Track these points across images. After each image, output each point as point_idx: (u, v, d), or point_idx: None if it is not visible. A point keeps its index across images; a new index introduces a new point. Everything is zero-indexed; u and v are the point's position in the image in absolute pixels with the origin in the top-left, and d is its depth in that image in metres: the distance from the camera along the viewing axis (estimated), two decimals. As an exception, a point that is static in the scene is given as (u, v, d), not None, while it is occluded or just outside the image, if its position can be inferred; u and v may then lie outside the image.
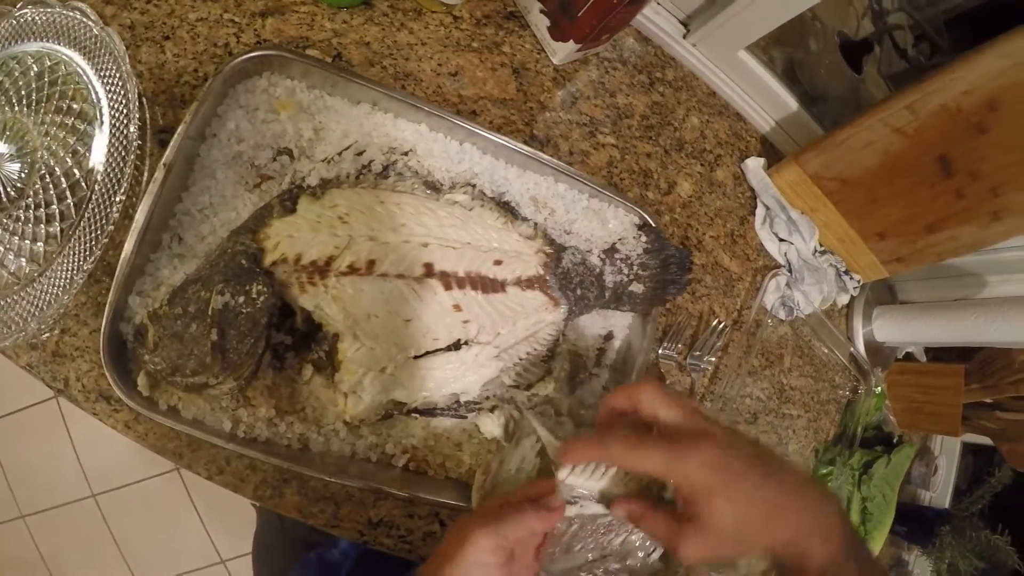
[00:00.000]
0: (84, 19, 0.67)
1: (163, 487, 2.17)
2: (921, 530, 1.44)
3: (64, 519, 2.19)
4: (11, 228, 0.66)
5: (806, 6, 0.92)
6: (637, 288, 0.88)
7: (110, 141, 0.66)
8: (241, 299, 0.64)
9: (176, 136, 0.67)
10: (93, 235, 0.65)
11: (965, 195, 1.01)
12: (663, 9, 1.07)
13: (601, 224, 0.90)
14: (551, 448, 0.65)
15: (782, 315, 1.16)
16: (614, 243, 0.90)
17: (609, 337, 0.92)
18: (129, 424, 0.72)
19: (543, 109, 0.97)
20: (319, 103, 0.77)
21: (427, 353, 0.74)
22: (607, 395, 0.63)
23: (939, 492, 1.53)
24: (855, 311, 1.30)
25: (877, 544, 1.27)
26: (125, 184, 0.64)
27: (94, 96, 0.67)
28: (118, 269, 0.65)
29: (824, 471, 1.21)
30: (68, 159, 0.66)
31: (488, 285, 0.77)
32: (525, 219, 0.83)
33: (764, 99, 1.16)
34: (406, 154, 0.79)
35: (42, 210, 0.66)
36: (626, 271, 0.87)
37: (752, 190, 1.17)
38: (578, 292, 0.83)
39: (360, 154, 0.76)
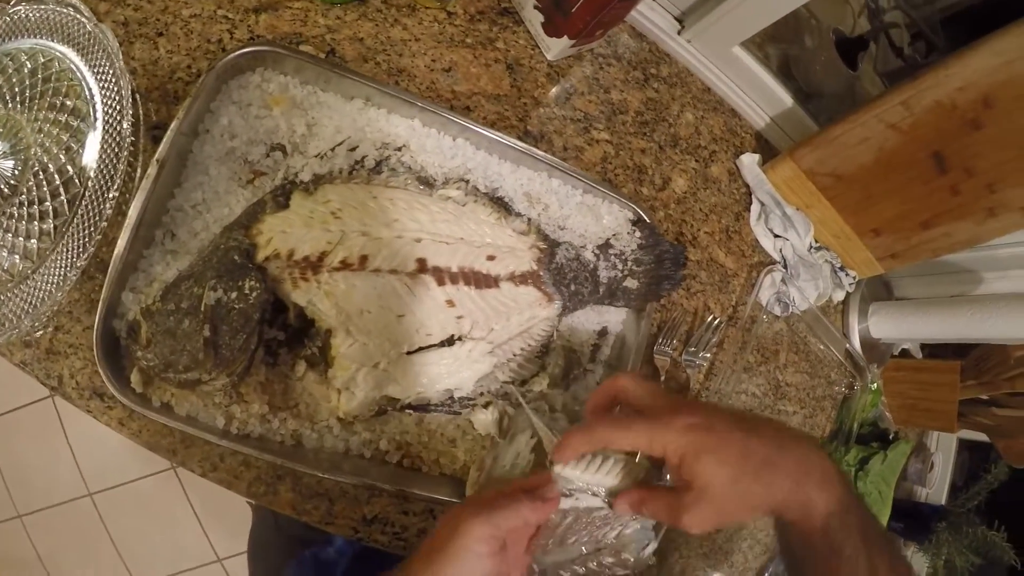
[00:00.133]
0: (78, 16, 0.67)
1: (159, 486, 2.17)
2: (917, 527, 1.44)
3: (61, 518, 2.18)
4: (4, 225, 0.66)
5: (801, 2, 0.92)
6: (631, 284, 0.88)
7: (103, 138, 0.66)
8: (234, 295, 0.64)
9: (169, 132, 0.67)
10: (86, 232, 0.65)
11: (960, 191, 1.01)
12: (657, 5, 1.07)
13: (595, 220, 0.90)
14: (547, 442, 0.65)
15: (777, 311, 1.16)
16: (608, 239, 0.90)
17: (603, 333, 0.92)
18: (123, 421, 0.72)
19: (537, 105, 0.97)
20: (312, 99, 0.77)
21: (420, 349, 0.74)
22: (590, 396, 0.64)
23: (935, 488, 1.53)
24: (851, 307, 1.30)
25: (873, 540, 1.27)
26: (118, 181, 0.64)
27: (87, 93, 0.68)
28: (111, 265, 0.65)
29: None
30: (61, 156, 0.66)
31: (481, 280, 0.77)
32: (519, 215, 0.83)
33: (759, 95, 1.16)
34: (399, 150, 0.79)
35: (35, 207, 0.66)
36: (620, 267, 0.87)
37: (747, 186, 1.17)
38: (572, 288, 0.83)
39: (353, 150, 0.76)
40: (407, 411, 0.76)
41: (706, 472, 0.53)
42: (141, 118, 0.71)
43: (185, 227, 0.71)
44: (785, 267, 1.16)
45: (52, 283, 0.65)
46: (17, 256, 0.66)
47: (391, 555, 0.81)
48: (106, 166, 0.65)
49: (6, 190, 0.66)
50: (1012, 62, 0.83)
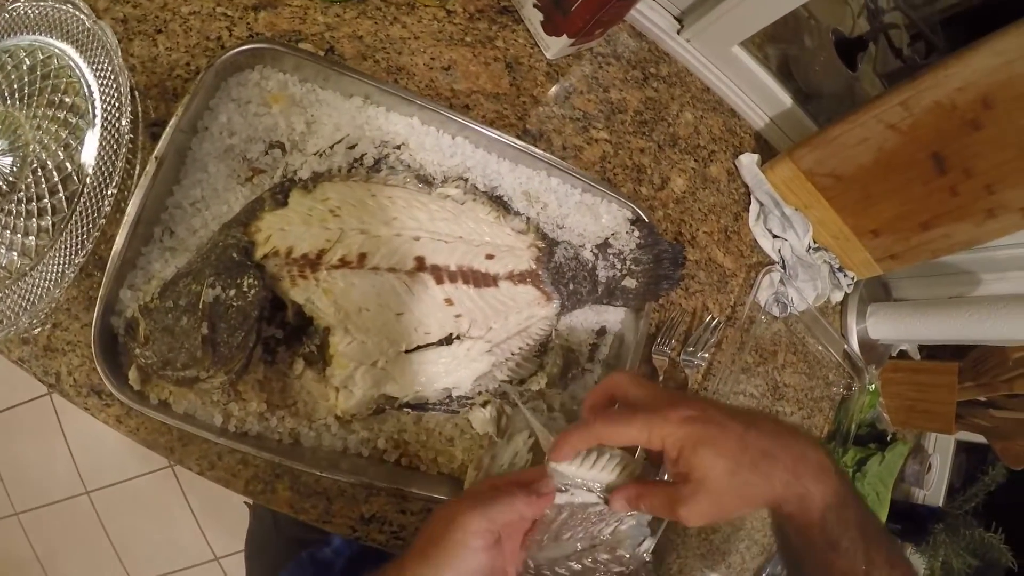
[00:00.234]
0: (76, 12, 0.67)
1: (157, 484, 2.16)
2: (915, 528, 1.44)
3: (58, 516, 2.18)
4: (2, 222, 0.66)
5: (799, 2, 0.92)
6: (630, 283, 0.88)
7: (102, 135, 0.66)
8: (232, 292, 0.63)
9: (168, 129, 0.67)
10: (84, 229, 0.65)
11: (959, 192, 1.01)
12: (657, 4, 1.07)
13: (594, 219, 0.90)
14: (544, 441, 0.64)
15: (776, 312, 1.16)
16: (607, 238, 0.89)
17: (602, 332, 0.92)
18: (120, 419, 0.72)
19: (536, 104, 0.97)
20: (311, 96, 0.77)
21: (419, 347, 0.74)
22: (587, 395, 0.64)
23: (933, 490, 1.53)
24: (849, 308, 1.30)
25: (871, 541, 1.27)
26: (117, 178, 0.64)
27: (86, 90, 0.67)
28: (109, 263, 0.65)
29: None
30: (60, 153, 0.66)
31: (480, 279, 0.77)
32: (517, 213, 0.83)
33: (758, 95, 1.16)
34: (398, 148, 0.78)
35: (34, 204, 0.66)
36: (619, 266, 0.87)
37: (746, 186, 1.17)
38: (571, 287, 0.83)
39: (352, 148, 0.76)
40: (405, 410, 0.76)
41: (704, 464, 0.53)
42: (140, 115, 0.71)
43: (184, 224, 0.71)
44: (784, 268, 1.17)
45: (50, 280, 0.65)
46: (15, 253, 0.66)
47: (388, 555, 0.81)
48: (105, 163, 0.65)
49: (4, 187, 0.65)
50: (1011, 62, 0.83)
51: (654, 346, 1.00)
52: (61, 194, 0.66)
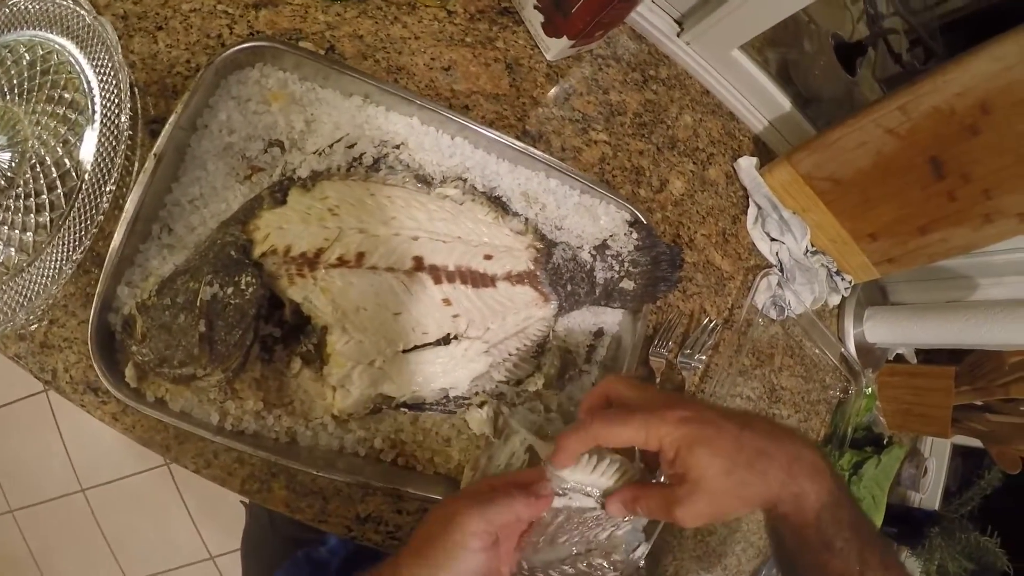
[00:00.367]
0: (77, 8, 0.67)
1: (153, 482, 2.16)
2: (911, 531, 1.45)
3: (53, 514, 2.18)
4: (0, 218, 0.66)
5: (799, 6, 0.92)
6: (628, 285, 0.88)
7: (101, 131, 0.66)
8: (230, 290, 0.63)
9: (167, 127, 0.67)
10: (83, 225, 0.65)
11: (957, 197, 1.01)
12: (657, 7, 1.07)
13: (592, 220, 0.90)
14: (539, 448, 0.64)
15: (773, 314, 1.16)
16: (605, 239, 0.90)
17: (599, 334, 0.92)
18: (117, 416, 0.72)
19: (536, 105, 0.97)
20: (311, 95, 0.77)
21: (416, 347, 0.74)
22: (583, 399, 0.64)
23: (929, 494, 1.53)
24: (846, 312, 1.30)
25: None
26: (115, 174, 0.64)
27: (86, 86, 0.67)
28: (107, 259, 0.65)
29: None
30: (59, 149, 0.66)
31: (478, 279, 0.77)
32: (516, 214, 0.83)
33: (757, 99, 1.16)
34: (397, 147, 0.78)
35: (32, 200, 0.66)
36: (617, 268, 0.87)
37: (744, 189, 1.17)
38: (568, 288, 0.83)
39: (351, 147, 0.76)
40: (402, 409, 0.76)
41: (700, 463, 0.53)
42: (139, 112, 0.71)
43: (182, 222, 0.71)
44: (781, 271, 1.17)
45: (47, 276, 0.65)
46: (13, 249, 0.66)
47: (384, 555, 0.81)
48: (103, 160, 0.65)
49: (3, 183, 0.65)
50: (1010, 68, 0.83)
51: (651, 348, 1.00)
52: (59, 190, 0.66)
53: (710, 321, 1.06)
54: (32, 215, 0.66)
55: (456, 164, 0.83)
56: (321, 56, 0.79)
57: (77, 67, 0.68)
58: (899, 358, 1.42)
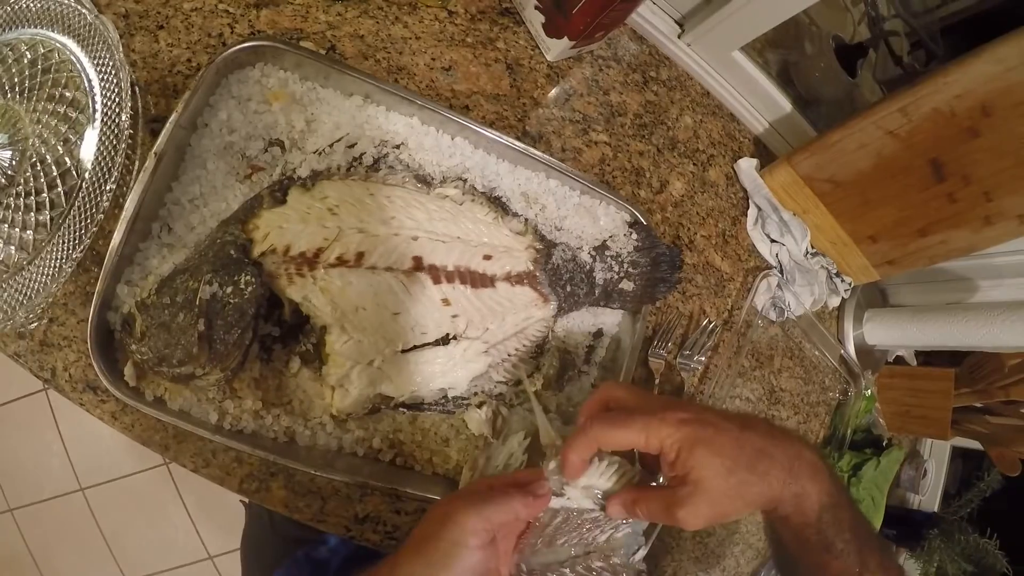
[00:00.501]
0: (78, 7, 0.67)
1: (152, 482, 2.16)
2: (910, 533, 1.45)
3: (52, 513, 2.18)
4: (0, 216, 0.66)
5: (800, 8, 0.92)
6: (627, 286, 0.88)
7: (102, 130, 0.66)
8: (229, 289, 0.63)
9: (168, 125, 0.67)
10: (83, 224, 0.65)
11: (957, 199, 1.01)
12: (658, 8, 1.07)
13: (592, 221, 0.90)
14: (545, 435, 0.64)
15: (773, 316, 1.16)
16: (605, 240, 0.90)
17: (598, 335, 0.92)
18: (115, 415, 0.72)
19: (536, 105, 0.97)
20: (311, 95, 0.77)
21: (415, 347, 0.74)
22: (582, 406, 0.64)
23: (928, 495, 1.53)
24: (846, 313, 1.30)
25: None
26: (116, 173, 0.64)
27: (87, 84, 0.67)
28: (107, 258, 0.65)
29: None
30: (59, 147, 0.66)
31: (477, 280, 0.77)
32: (516, 214, 0.83)
33: (758, 100, 1.16)
34: (398, 147, 0.78)
35: (32, 198, 0.66)
36: (616, 268, 0.87)
37: (744, 191, 1.17)
38: (568, 289, 0.83)
39: (351, 146, 0.76)
40: (401, 409, 0.76)
41: (701, 464, 0.53)
42: (140, 111, 0.71)
43: (182, 221, 0.71)
44: (781, 272, 1.17)
45: (47, 275, 0.65)
46: (13, 247, 0.66)
47: (384, 555, 0.81)
48: (104, 158, 0.65)
49: (3, 180, 0.65)
50: (1010, 70, 0.83)
51: (651, 349, 1.00)
52: (60, 189, 0.66)
53: (709, 322, 1.06)
54: (32, 213, 0.66)
55: (456, 164, 0.83)
56: (322, 56, 0.79)
57: (78, 65, 0.68)
58: (899, 360, 1.42)
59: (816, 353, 1.25)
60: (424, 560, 0.53)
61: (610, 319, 0.93)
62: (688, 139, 1.12)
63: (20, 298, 0.65)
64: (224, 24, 0.80)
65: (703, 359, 1.05)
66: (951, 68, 0.87)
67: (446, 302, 0.75)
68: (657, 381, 1.00)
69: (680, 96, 1.13)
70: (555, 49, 0.96)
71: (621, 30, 1.08)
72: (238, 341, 0.65)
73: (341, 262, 0.69)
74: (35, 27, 0.69)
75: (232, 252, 0.65)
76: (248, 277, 0.64)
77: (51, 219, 0.66)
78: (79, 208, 0.65)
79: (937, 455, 1.58)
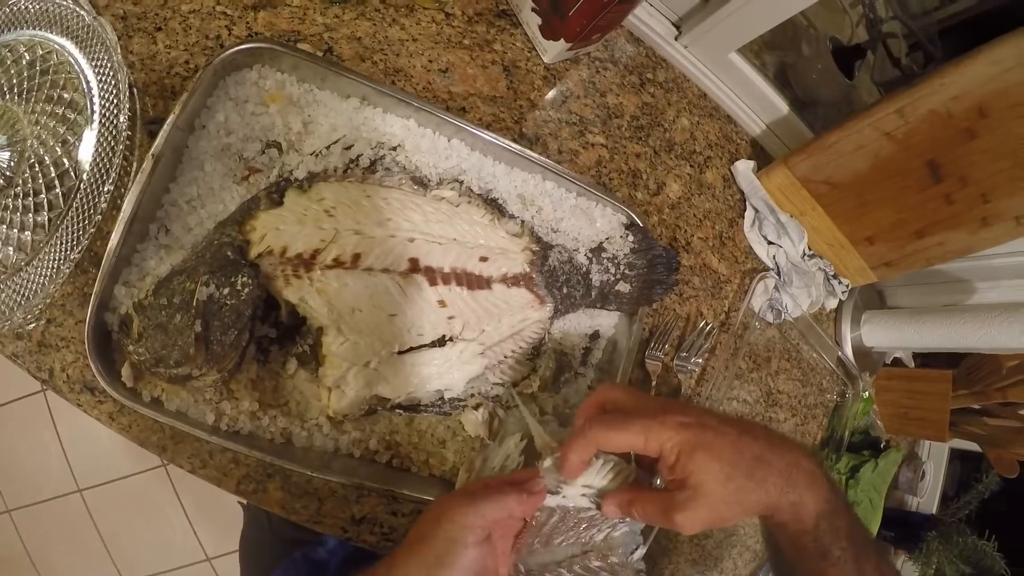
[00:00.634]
0: (77, 8, 0.67)
1: (150, 483, 2.16)
2: (908, 535, 1.45)
3: (50, 514, 2.18)
4: (-2, 217, 0.66)
5: (797, 10, 0.93)
6: (624, 288, 0.88)
7: (100, 131, 0.66)
8: (226, 291, 0.64)
9: (165, 127, 0.67)
10: (81, 225, 0.65)
11: (954, 200, 1.01)
12: (655, 10, 1.07)
13: (588, 223, 0.90)
14: (539, 439, 0.64)
15: (770, 318, 1.16)
16: (601, 242, 0.90)
17: (595, 336, 0.92)
18: (113, 416, 0.72)
19: (533, 107, 0.97)
20: (309, 97, 0.77)
21: (411, 349, 0.74)
22: (580, 407, 0.64)
23: (926, 497, 1.53)
24: (843, 315, 1.31)
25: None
26: (113, 174, 0.64)
27: (85, 86, 0.68)
28: (104, 259, 0.65)
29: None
30: (58, 148, 0.66)
31: (474, 281, 0.77)
32: (512, 216, 0.83)
33: (755, 102, 1.16)
34: (394, 149, 0.79)
35: (30, 199, 0.66)
36: (613, 270, 0.87)
37: (741, 192, 1.17)
38: (564, 290, 0.83)
39: (348, 148, 0.76)
40: (397, 411, 0.76)
41: (700, 469, 0.53)
42: (138, 112, 0.71)
43: (179, 222, 0.71)
44: (778, 274, 1.17)
45: (45, 276, 0.65)
46: (11, 248, 0.66)
47: (383, 556, 0.81)
48: (102, 160, 0.65)
49: (1, 182, 0.65)
50: (1007, 71, 0.84)
51: (647, 351, 1.01)
52: (58, 190, 0.66)
53: (706, 324, 1.06)
54: (30, 214, 0.66)
55: (453, 166, 0.83)
56: (319, 58, 0.79)
57: (76, 67, 0.68)
58: (896, 362, 1.42)
59: (813, 355, 1.25)
60: (420, 559, 0.53)
61: (607, 321, 0.93)
62: (685, 141, 1.12)
63: (18, 299, 0.65)
64: (222, 26, 0.80)
65: (700, 361, 1.05)
66: (948, 69, 0.88)
67: (442, 304, 0.75)
68: (654, 383, 1.00)
69: (677, 98, 1.13)
70: (552, 51, 0.96)
71: (618, 32, 1.08)
72: (235, 342, 0.65)
73: (338, 264, 0.69)
74: (33, 28, 0.69)
75: (229, 253, 0.65)
76: (245, 278, 0.65)
77: (49, 220, 0.66)
78: (77, 209, 0.65)
79: (935, 457, 1.58)
